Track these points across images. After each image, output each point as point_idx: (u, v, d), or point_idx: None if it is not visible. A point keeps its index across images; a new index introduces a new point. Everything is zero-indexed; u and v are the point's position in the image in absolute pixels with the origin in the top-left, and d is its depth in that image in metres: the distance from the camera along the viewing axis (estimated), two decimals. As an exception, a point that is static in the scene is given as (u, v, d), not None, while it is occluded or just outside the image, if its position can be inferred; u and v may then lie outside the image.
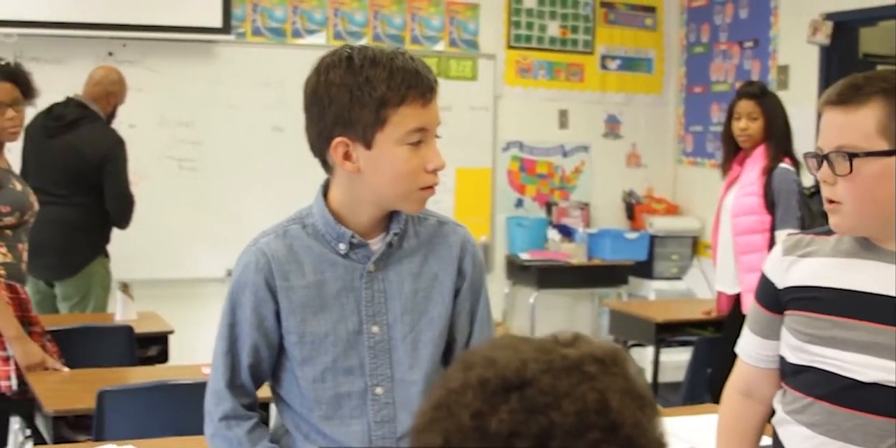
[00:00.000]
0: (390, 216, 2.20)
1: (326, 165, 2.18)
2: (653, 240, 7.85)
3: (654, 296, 7.80)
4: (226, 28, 6.78)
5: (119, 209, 5.74)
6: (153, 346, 5.12)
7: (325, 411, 2.18)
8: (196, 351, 6.24)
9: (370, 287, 2.17)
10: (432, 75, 2.11)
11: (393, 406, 2.18)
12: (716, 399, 5.04)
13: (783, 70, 7.14)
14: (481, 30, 7.61)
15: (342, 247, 2.16)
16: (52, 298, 5.65)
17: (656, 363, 6.01)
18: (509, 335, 1.19)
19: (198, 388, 3.87)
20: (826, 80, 6.81)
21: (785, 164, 5.03)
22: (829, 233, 2.22)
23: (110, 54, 6.64)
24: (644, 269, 7.85)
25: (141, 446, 3.22)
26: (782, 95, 7.10)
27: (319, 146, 2.14)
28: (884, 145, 2.04)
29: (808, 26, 6.83)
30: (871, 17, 6.67)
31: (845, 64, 6.87)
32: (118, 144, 5.73)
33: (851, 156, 2.05)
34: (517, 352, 1.10)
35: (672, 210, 8.12)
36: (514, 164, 7.79)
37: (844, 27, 6.76)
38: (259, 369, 2.24)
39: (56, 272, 5.60)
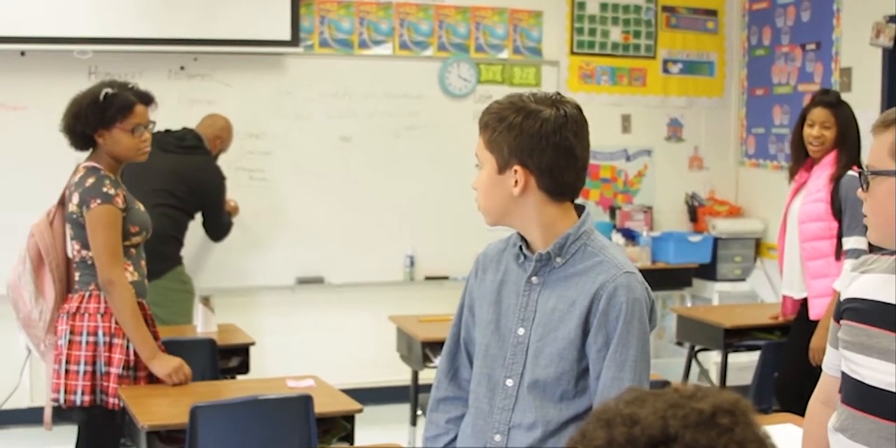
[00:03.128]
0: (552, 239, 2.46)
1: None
2: (716, 242, 7.88)
3: (717, 298, 7.84)
4: (294, 40, 6.89)
5: (219, 234, 6.48)
6: (234, 358, 5.26)
7: (475, 385, 2.55)
8: (273, 360, 6.42)
9: (527, 295, 2.48)
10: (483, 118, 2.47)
11: (515, 398, 2.47)
12: (783, 403, 5.13)
13: (846, 72, 7.15)
14: (545, 37, 7.67)
15: (520, 256, 2.50)
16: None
17: (724, 368, 6.07)
18: (635, 388, 1.28)
19: (286, 403, 4.04)
20: (890, 82, 6.82)
21: (852, 172, 5.06)
22: (893, 252, 2.33)
23: (182, 68, 6.78)
24: (707, 272, 7.88)
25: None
26: (845, 98, 7.13)
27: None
28: (892, 165, 2.20)
29: (870, 29, 6.84)
30: (934, 19, 6.68)
31: (909, 66, 6.89)
32: (223, 180, 6.35)
33: (868, 174, 2.23)
34: (653, 408, 1.18)
35: (735, 212, 8.15)
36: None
37: (908, 30, 6.76)
38: (471, 346, 2.61)
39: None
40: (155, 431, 3.90)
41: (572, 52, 7.78)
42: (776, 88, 7.80)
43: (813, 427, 2.57)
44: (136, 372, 4.30)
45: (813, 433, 2.57)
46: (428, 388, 5.65)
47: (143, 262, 4.42)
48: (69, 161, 4.63)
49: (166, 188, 5.98)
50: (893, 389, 2.20)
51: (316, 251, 7.16)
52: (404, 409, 5.94)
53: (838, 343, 2.40)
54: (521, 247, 2.48)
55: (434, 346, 5.50)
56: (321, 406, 4.06)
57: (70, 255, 4.38)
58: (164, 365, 4.29)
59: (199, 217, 6.31)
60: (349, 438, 4.26)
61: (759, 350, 5.69)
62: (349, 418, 4.27)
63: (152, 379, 4.31)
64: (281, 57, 6.98)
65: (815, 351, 4.91)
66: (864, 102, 6.88)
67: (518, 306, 2.48)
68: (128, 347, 4.27)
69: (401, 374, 6.26)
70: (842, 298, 2.41)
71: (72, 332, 4.26)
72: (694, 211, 8.14)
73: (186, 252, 6.28)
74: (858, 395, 2.29)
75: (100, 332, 4.25)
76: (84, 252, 4.29)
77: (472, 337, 2.60)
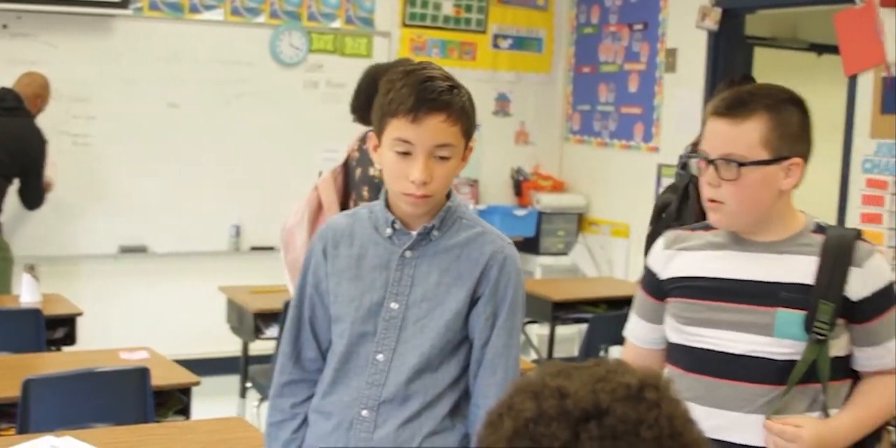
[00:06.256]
0: (434, 212, 2.45)
1: None
2: (540, 216, 8.01)
3: (540, 271, 7.97)
4: (123, 2, 6.66)
5: (35, 203, 6.25)
6: (59, 329, 5.10)
7: (338, 364, 2.49)
8: (99, 332, 6.25)
9: (401, 269, 2.45)
10: (445, 99, 2.32)
11: (386, 373, 2.44)
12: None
13: (671, 53, 7.33)
14: (377, 8, 7.63)
15: (387, 231, 2.45)
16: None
17: (551, 340, 6.19)
18: (556, 362, 1.28)
19: (122, 376, 3.94)
20: (713, 64, 7.03)
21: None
22: (706, 228, 2.52)
23: (4, 27, 6.50)
24: (531, 245, 7.99)
25: (77, 437, 3.24)
26: (669, 78, 7.36)
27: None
28: (765, 155, 2.33)
29: (696, 12, 7.03)
30: (758, 4, 6.90)
31: (731, 49, 7.11)
32: (44, 144, 6.12)
33: (740, 164, 2.32)
34: (581, 382, 1.18)
35: (558, 187, 8.29)
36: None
37: (732, 13, 6.97)
38: (316, 325, 2.56)
39: None
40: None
41: (404, 24, 7.76)
42: (602, 66, 7.94)
43: None
44: None
45: None
46: (259, 359, 5.66)
47: None
48: None
49: None
50: (754, 355, 2.36)
51: (140, 219, 6.98)
52: (233, 380, 5.86)
53: (665, 319, 2.54)
54: (393, 221, 2.44)
55: (266, 318, 5.46)
56: (157, 379, 3.98)
57: None
58: None
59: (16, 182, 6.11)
60: (185, 412, 4.19)
61: (585, 323, 5.82)
62: (185, 391, 4.20)
63: None
64: (109, 18, 6.75)
65: None
66: (688, 83, 7.10)
67: (389, 281, 2.44)
68: None
69: (230, 345, 6.18)
70: (662, 277, 2.54)
71: None
72: (519, 185, 8.24)
73: (4, 217, 6.06)
74: (713, 363, 2.42)
75: None
76: None
77: (318, 316, 2.54)
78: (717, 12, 6.93)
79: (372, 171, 4.56)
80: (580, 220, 8.16)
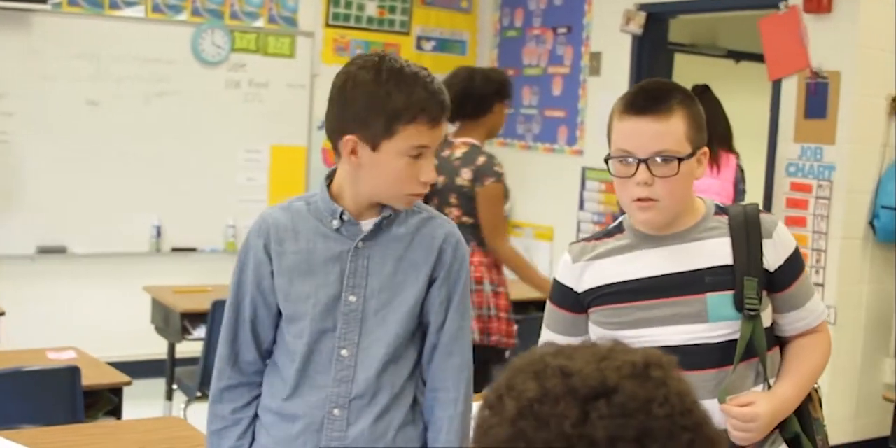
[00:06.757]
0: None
1: (335, 150, 2.37)
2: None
3: (463, 274, 7.92)
4: (42, -3, 6.53)
5: None
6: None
7: (300, 364, 2.40)
8: (17, 333, 6.08)
9: (355, 261, 2.39)
10: (447, 98, 2.32)
11: (354, 368, 2.39)
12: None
13: (595, 57, 7.36)
14: (301, 7, 7.56)
15: (335, 223, 2.38)
16: None
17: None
18: (552, 343, 1.24)
19: (51, 376, 3.83)
20: (637, 67, 7.07)
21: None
22: (608, 235, 2.53)
23: (-83, 20, 6.33)
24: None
25: (8, 438, 3.13)
26: (594, 82, 7.39)
27: (333, 136, 2.34)
28: (689, 149, 2.35)
29: (621, 15, 7.06)
30: (682, 9, 6.96)
31: (655, 53, 7.16)
32: None
33: (679, 159, 2.33)
34: (584, 360, 1.15)
35: (481, 190, 8.25)
36: (329, 142, 7.75)
37: (656, 18, 7.02)
38: (258, 326, 2.46)
39: None
40: None
41: (328, 25, 7.70)
42: (526, 70, 7.95)
43: None
44: None
45: None
46: (186, 361, 5.54)
47: None
48: None
49: None
50: (693, 343, 2.39)
51: (58, 219, 6.82)
52: (158, 383, 5.74)
53: (589, 329, 2.52)
54: (342, 212, 2.37)
55: (193, 318, 5.36)
56: (87, 378, 3.89)
57: None
58: None
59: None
60: (115, 413, 4.09)
61: (515, 324, 5.79)
62: (115, 392, 4.11)
63: None
64: (27, 13, 6.58)
65: None
66: (613, 86, 7.12)
67: (344, 274, 2.38)
68: None
69: (155, 348, 6.06)
70: (578, 290, 2.50)
71: None
72: (441, 188, 8.19)
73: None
74: None
75: None
76: None
77: (260, 316, 2.44)
78: (641, 16, 6.97)
79: (459, 181, 4.64)
80: (503, 224, 8.13)
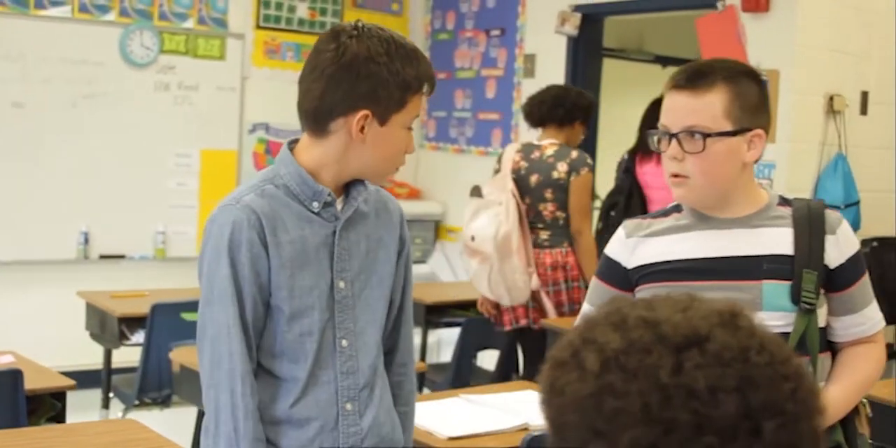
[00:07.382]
0: (351, 181, 2.31)
1: (318, 129, 2.23)
2: (397, 224, 7.88)
3: (397, 279, 7.83)
4: (-36, -5, 6.33)
5: None
6: None
7: (312, 364, 2.24)
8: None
9: (339, 244, 2.28)
10: None
11: (356, 358, 2.29)
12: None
13: (530, 59, 7.32)
14: (230, 8, 7.41)
15: (315, 205, 2.25)
16: None
17: (424, 345, 6.07)
18: (620, 297, 1.19)
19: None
20: (573, 69, 7.03)
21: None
22: (666, 214, 2.48)
23: None
24: (387, 253, 7.85)
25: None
26: (529, 84, 7.33)
27: (333, 114, 2.20)
28: (728, 126, 2.30)
29: (556, 17, 7.03)
30: (618, 9, 6.94)
31: (591, 54, 7.13)
32: None
33: (706, 135, 2.28)
34: (667, 311, 1.09)
35: (414, 194, 8.18)
36: (261, 146, 7.64)
37: (591, 19, 7.00)
38: (256, 329, 2.24)
39: None
40: None
41: (258, 26, 7.57)
42: (459, 73, 7.89)
43: None
44: None
45: None
46: (124, 370, 5.35)
47: None
48: None
49: None
50: None
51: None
52: (91, 393, 5.53)
53: None
54: (328, 193, 2.24)
55: (131, 323, 5.19)
56: (28, 382, 3.72)
57: None
58: None
59: None
60: (58, 418, 3.92)
61: (458, 326, 5.73)
62: (58, 397, 3.94)
63: None
64: (-51, 12, 6.39)
65: None
66: (549, 88, 7.07)
67: (333, 259, 2.26)
68: None
69: (89, 357, 5.87)
70: (628, 266, 2.45)
71: None
72: (374, 193, 8.09)
73: None
74: None
75: None
76: None
77: (258, 317, 2.20)
78: (576, 17, 6.94)
79: (555, 175, 5.16)
80: (437, 228, 8.07)
